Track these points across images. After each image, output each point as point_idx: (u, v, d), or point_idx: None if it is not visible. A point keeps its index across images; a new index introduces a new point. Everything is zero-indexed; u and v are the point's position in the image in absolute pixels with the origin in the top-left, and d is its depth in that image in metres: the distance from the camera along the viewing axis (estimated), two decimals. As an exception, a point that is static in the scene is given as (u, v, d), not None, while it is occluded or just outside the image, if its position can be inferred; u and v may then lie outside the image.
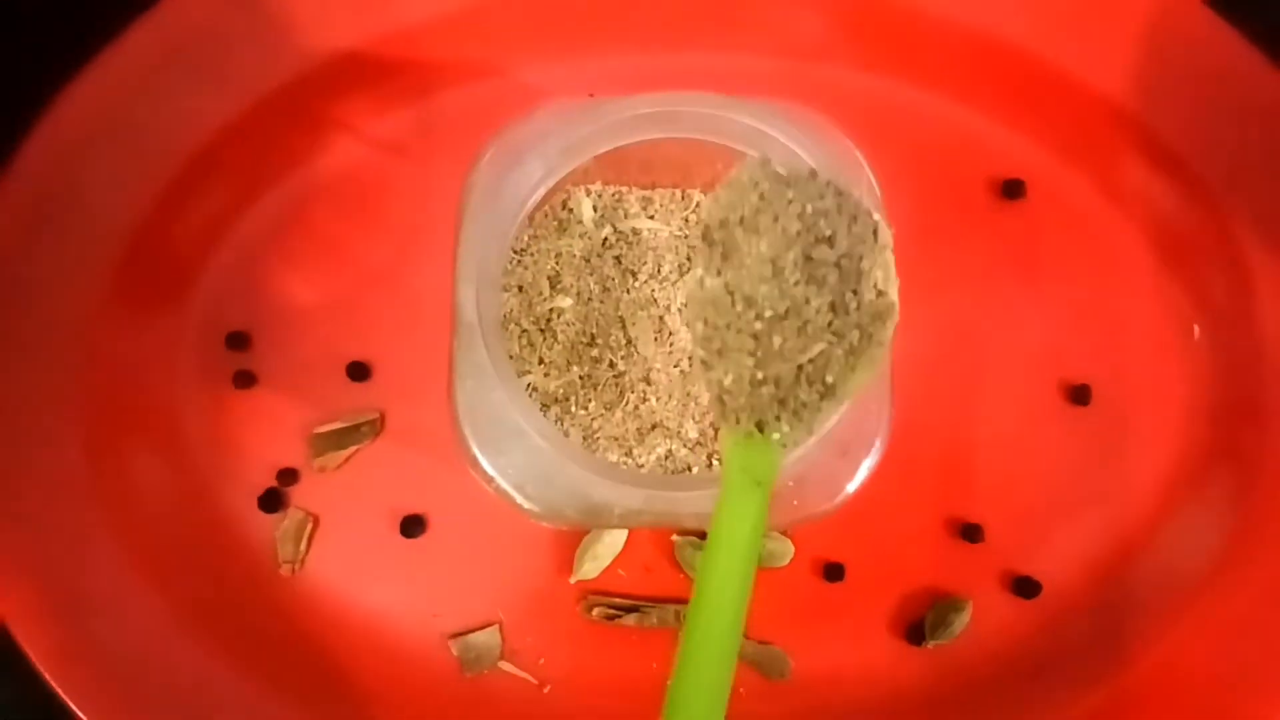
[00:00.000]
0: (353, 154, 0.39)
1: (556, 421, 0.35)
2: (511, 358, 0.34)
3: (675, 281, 0.36)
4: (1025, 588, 0.37)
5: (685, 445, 0.35)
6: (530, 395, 0.34)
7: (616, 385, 0.35)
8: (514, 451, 0.28)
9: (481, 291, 0.27)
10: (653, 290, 0.35)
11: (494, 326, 0.28)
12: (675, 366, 0.35)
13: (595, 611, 0.37)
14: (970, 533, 0.38)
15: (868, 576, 0.37)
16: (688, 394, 0.35)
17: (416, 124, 0.39)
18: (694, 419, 0.35)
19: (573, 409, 0.35)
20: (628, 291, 0.35)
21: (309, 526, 0.37)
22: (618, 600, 0.37)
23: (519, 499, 0.28)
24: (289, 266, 0.38)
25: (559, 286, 0.35)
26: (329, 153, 0.39)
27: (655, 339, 0.35)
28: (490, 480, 0.29)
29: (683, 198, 0.37)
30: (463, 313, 0.28)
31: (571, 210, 0.36)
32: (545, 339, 0.35)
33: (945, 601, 0.37)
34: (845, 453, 0.29)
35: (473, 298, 0.27)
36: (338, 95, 0.39)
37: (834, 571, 0.37)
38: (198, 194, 0.38)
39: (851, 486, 0.29)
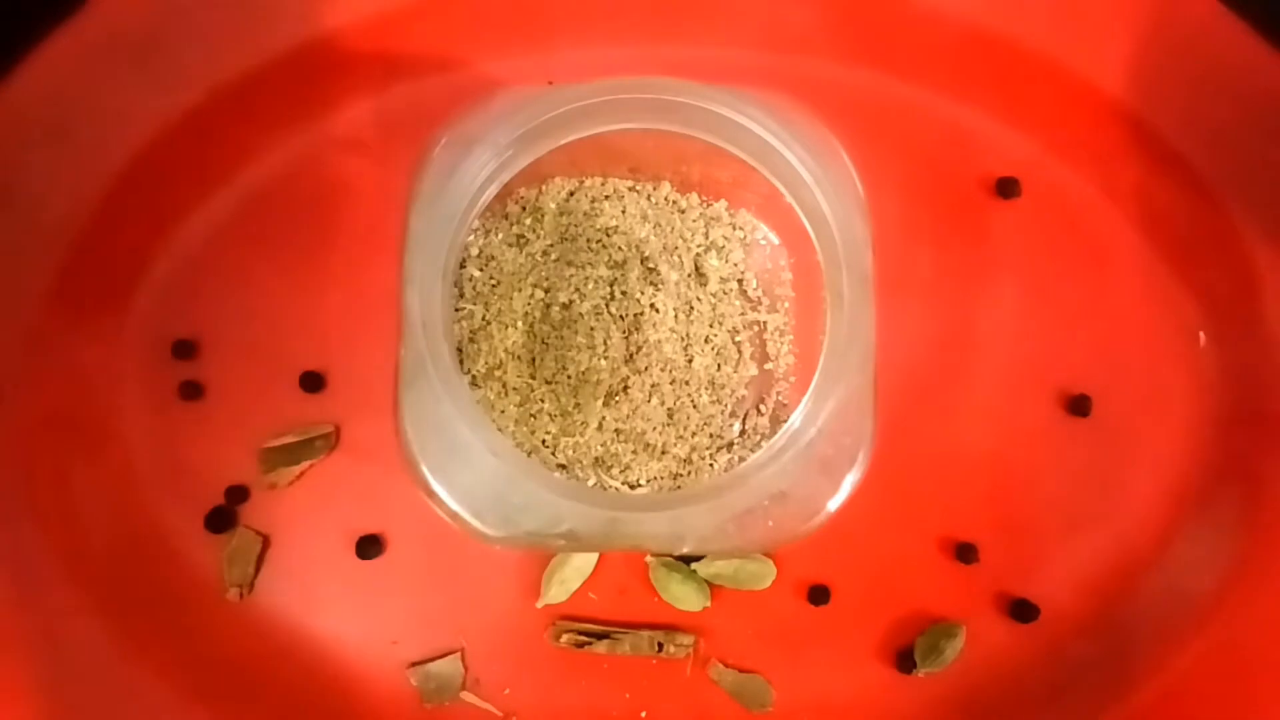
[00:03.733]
0: (305, 151, 0.37)
1: (519, 437, 0.33)
2: (465, 367, 0.32)
3: (649, 281, 0.34)
4: (1022, 611, 0.36)
5: (676, 462, 0.33)
6: (488, 408, 0.32)
7: (589, 397, 0.32)
8: (466, 470, 0.26)
9: (426, 294, 0.25)
10: (626, 292, 0.33)
11: (439, 332, 0.25)
12: (661, 373, 0.33)
13: (564, 638, 0.35)
14: (964, 553, 0.36)
15: (855, 600, 0.36)
16: (671, 408, 0.33)
17: (372, 119, 0.37)
18: (680, 433, 0.33)
19: (537, 424, 0.33)
20: (596, 293, 0.33)
21: (259, 547, 0.35)
22: (588, 626, 0.35)
23: (473, 522, 0.26)
24: (238, 270, 0.36)
25: (518, 288, 0.33)
26: (280, 150, 0.37)
27: (628, 345, 0.33)
28: (441, 502, 0.26)
29: (654, 191, 0.35)
30: (409, 318, 0.26)
31: (531, 205, 0.34)
32: (503, 346, 0.33)
33: (937, 626, 0.36)
34: (826, 469, 0.26)
35: (418, 301, 0.25)
36: (289, 90, 0.36)
37: (819, 594, 0.36)
38: (141, 194, 0.36)
39: (833, 504, 0.27)
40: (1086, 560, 0.36)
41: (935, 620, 0.36)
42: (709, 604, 0.35)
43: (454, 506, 0.26)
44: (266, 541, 0.35)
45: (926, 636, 0.35)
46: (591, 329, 0.33)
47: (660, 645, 0.35)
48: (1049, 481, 0.37)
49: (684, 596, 0.35)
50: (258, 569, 0.35)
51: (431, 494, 0.27)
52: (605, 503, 0.26)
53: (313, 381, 0.36)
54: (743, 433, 0.34)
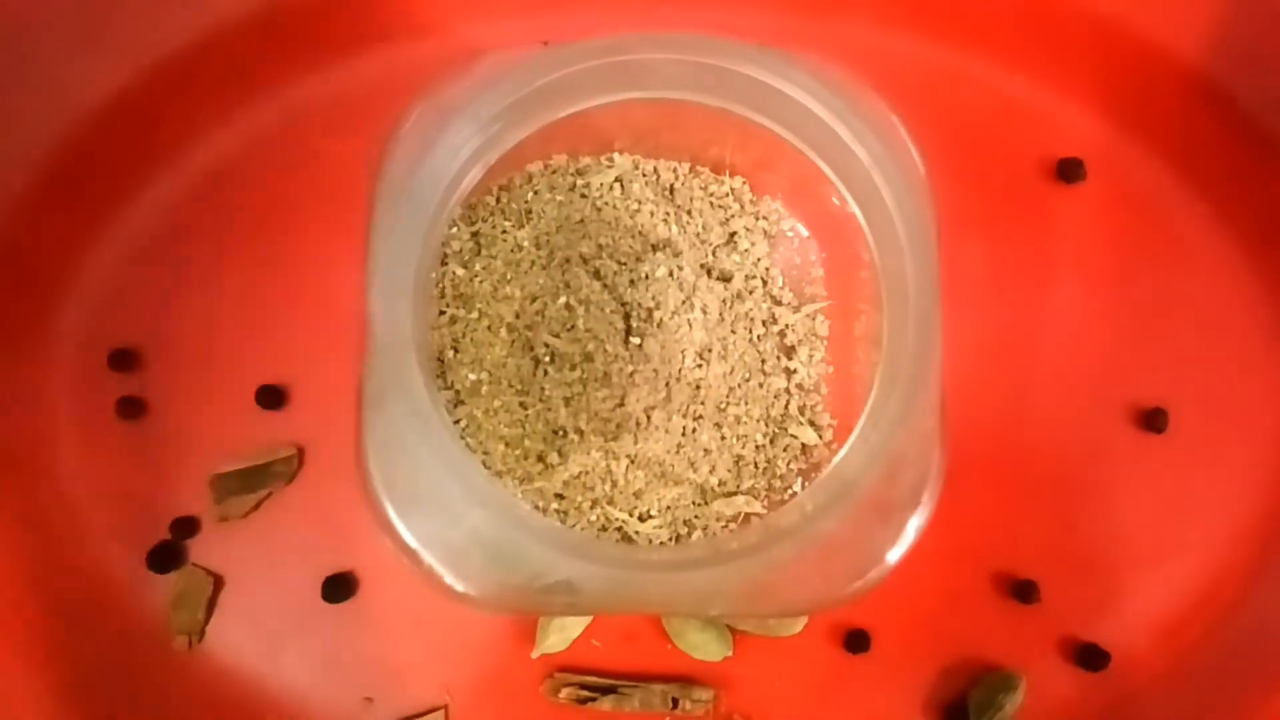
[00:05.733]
0: (260, 131, 0.34)
1: (510, 462, 0.29)
2: (448, 380, 0.28)
3: (667, 281, 0.30)
4: (1090, 658, 0.33)
5: (693, 489, 0.30)
6: (475, 429, 0.28)
7: (601, 421, 0.29)
8: (440, 513, 0.22)
9: (392, 299, 0.21)
10: (638, 295, 0.30)
11: (407, 345, 0.21)
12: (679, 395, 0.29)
13: (563, 693, 0.32)
14: (1023, 591, 0.33)
15: (898, 646, 0.33)
16: (692, 430, 0.30)
17: (339, 93, 0.34)
18: (698, 456, 0.30)
19: (529, 447, 0.29)
20: (604, 298, 0.29)
21: (210, 589, 0.33)
22: (590, 679, 0.32)
23: (447, 578, 0.22)
24: (184, 268, 0.34)
25: (508, 290, 0.29)
26: (232, 130, 0.34)
27: (636, 354, 0.29)
28: (409, 550, 0.22)
29: (665, 174, 0.31)
30: (372, 329, 0.21)
31: (521, 191, 0.30)
32: (491, 357, 0.29)
33: (993, 676, 0.33)
34: (885, 512, 0.22)
35: (383, 308, 0.21)
36: (243, 60, 0.34)
37: (857, 640, 0.33)
38: (72, 182, 0.33)
39: (894, 555, 0.22)
40: (1163, 599, 0.34)
41: (990, 669, 0.33)
42: (731, 652, 0.32)
43: (425, 558, 0.22)
44: (219, 582, 0.33)
45: (981, 688, 0.33)
46: (604, 342, 0.29)
47: (675, 700, 0.32)
48: (1119, 508, 0.34)
49: (702, 644, 0.32)
50: (209, 614, 0.33)
51: (398, 540, 0.22)
52: (616, 561, 0.21)
53: (272, 397, 0.33)
54: (769, 457, 0.31)
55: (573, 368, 0.28)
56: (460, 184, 0.23)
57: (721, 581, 0.21)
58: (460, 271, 0.29)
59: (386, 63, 0.34)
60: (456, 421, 0.29)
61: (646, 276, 0.29)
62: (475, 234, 0.30)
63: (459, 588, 0.22)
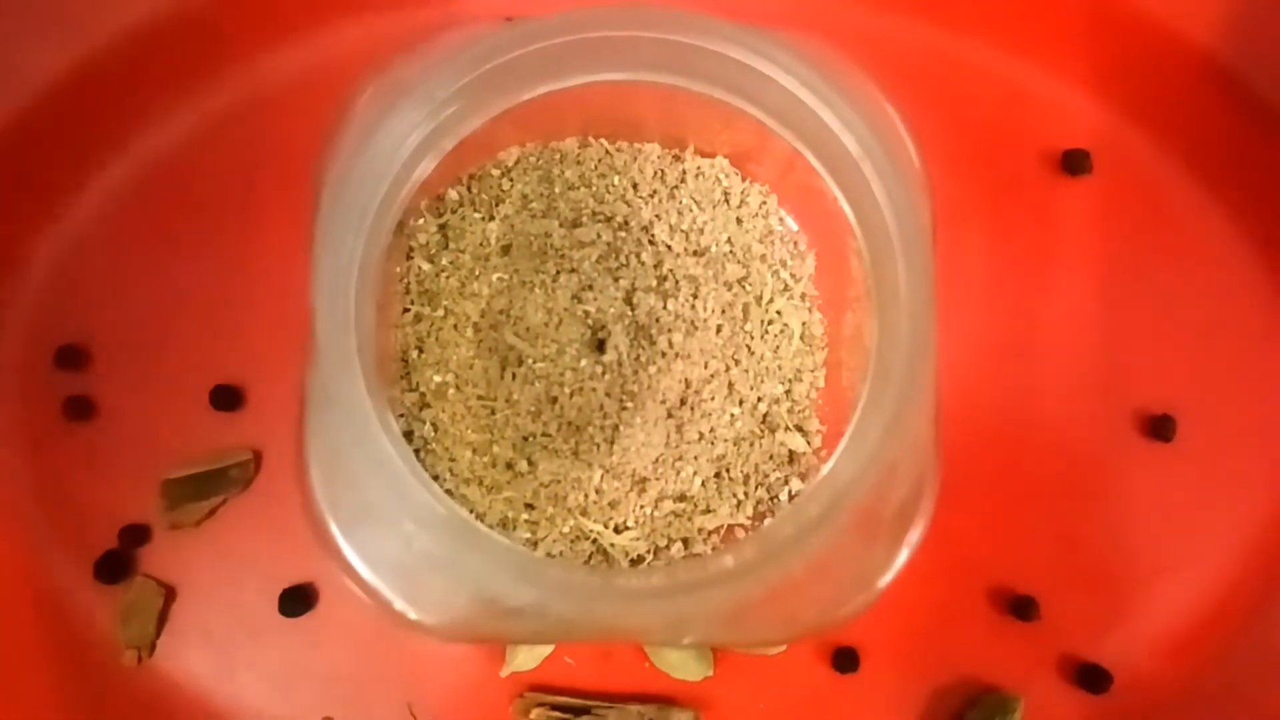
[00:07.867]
0: (216, 113, 0.33)
1: (477, 469, 0.27)
2: (413, 382, 0.27)
3: (645, 277, 0.28)
4: (1092, 678, 0.32)
5: (672, 500, 0.28)
6: (443, 435, 0.27)
7: (572, 427, 0.27)
8: (392, 535, 0.20)
9: (334, 297, 0.19)
10: (615, 290, 0.28)
11: (350, 348, 0.19)
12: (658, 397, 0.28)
13: (534, 714, 0.31)
14: (1021, 607, 0.32)
15: (889, 665, 0.32)
16: (667, 434, 0.28)
17: (295, 73, 0.33)
18: (677, 464, 0.28)
19: (498, 454, 0.27)
20: (570, 294, 0.28)
21: (161, 601, 0.32)
22: (563, 699, 0.31)
23: (401, 605, 0.20)
24: (136, 261, 0.33)
25: (474, 286, 0.27)
26: (186, 112, 0.33)
27: (610, 355, 0.28)
28: (355, 574, 0.20)
29: (640, 164, 0.29)
30: (316, 329, 0.20)
31: (488, 180, 0.28)
32: (457, 358, 0.27)
33: (990, 697, 0.32)
34: (875, 530, 0.21)
35: (327, 307, 0.19)
36: (193, 39, 0.33)
37: (845, 659, 0.31)
38: (16, 168, 0.32)
39: (884, 580, 0.21)
40: (1169, 616, 0.33)
41: (987, 690, 0.32)
42: (711, 672, 0.31)
43: (373, 581, 0.20)
44: (170, 593, 0.32)
45: (977, 710, 0.32)
46: (579, 343, 0.28)
47: (652, 722, 0.31)
48: (1124, 520, 0.33)
49: (682, 663, 0.31)
50: (160, 627, 0.32)
51: (341, 561, 0.21)
52: (584, 592, 0.19)
53: (227, 397, 0.32)
54: (755, 464, 0.29)
55: (541, 371, 0.27)
56: (413, 172, 0.22)
57: (699, 607, 0.20)
58: (426, 266, 0.28)
59: (346, 40, 0.33)
60: (421, 425, 0.27)
61: (626, 260, 0.28)
62: (443, 226, 0.28)
63: (411, 614, 0.21)
